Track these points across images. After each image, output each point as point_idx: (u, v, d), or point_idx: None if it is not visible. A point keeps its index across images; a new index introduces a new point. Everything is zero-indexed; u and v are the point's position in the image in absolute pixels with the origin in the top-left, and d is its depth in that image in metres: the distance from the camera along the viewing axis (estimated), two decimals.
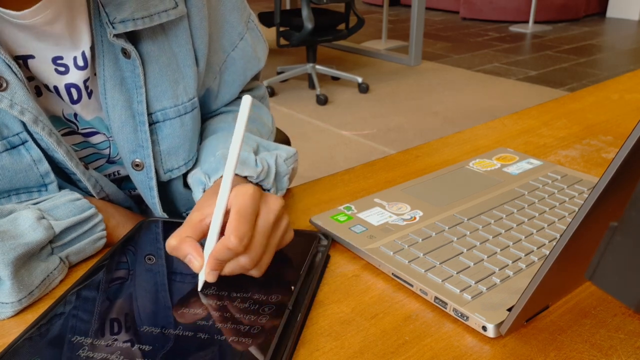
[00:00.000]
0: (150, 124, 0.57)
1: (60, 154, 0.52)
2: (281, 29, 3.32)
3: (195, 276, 0.46)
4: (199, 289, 0.45)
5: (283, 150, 0.61)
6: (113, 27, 0.51)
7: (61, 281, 0.49)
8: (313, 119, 3.09)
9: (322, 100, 3.31)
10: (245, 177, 0.54)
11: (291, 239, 0.50)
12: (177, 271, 0.48)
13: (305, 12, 3.10)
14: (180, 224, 0.56)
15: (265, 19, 3.34)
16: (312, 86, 3.57)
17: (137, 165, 0.58)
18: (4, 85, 0.47)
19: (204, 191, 0.54)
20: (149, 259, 0.50)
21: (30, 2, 0.47)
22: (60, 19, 0.50)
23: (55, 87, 0.53)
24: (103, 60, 0.53)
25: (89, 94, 0.56)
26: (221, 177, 0.50)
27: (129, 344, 0.39)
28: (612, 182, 0.30)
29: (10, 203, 0.52)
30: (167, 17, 0.54)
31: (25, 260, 0.46)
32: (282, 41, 3.31)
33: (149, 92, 0.56)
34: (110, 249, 0.51)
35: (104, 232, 0.53)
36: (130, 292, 0.45)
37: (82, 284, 0.46)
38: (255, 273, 0.46)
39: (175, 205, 0.65)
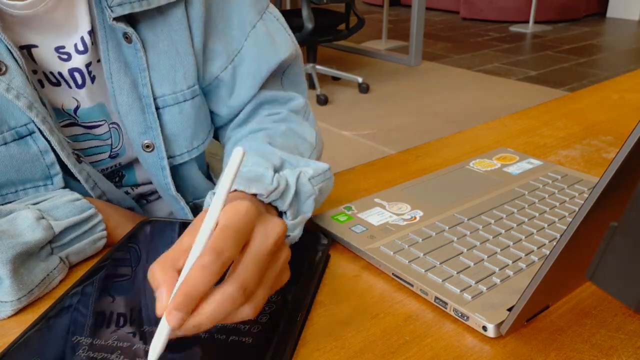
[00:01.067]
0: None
1: (54, 143, 0.52)
2: None
3: None
4: (159, 344, 0.33)
5: (312, 166, 0.53)
6: (111, 10, 0.52)
7: (61, 281, 0.49)
8: None
9: (323, 101, 3.31)
10: (255, 196, 0.47)
11: (287, 281, 0.40)
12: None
13: (305, 12, 3.10)
14: (180, 224, 0.56)
15: None
16: (312, 86, 3.57)
17: (147, 147, 0.59)
18: (3, 69, 0.48)
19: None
20: (149, 259, 0.50)
21: None
22: (59, 6, 0.51)
23: (60, 73, 0.55)
24: (107, 45, 0.54)
25: (92, 79, 0.57)
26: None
27: (129, 343, 0.39)
28: (612, 182, 0.30)
29: (17, 199, 0.53)
30: (165, 0, 0.54)
31: (24, 260, 0.46)
32: None
33: (151, 76, 0.57)
34: (110, 249, 0.51)
35: (104, 233, 0.53)
36: (131, 292, 0.45)
37: (82, 284, 0.46)
38: (248, 311, 0.35)
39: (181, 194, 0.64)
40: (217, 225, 0.35)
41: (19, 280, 0.45)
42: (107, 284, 0.46)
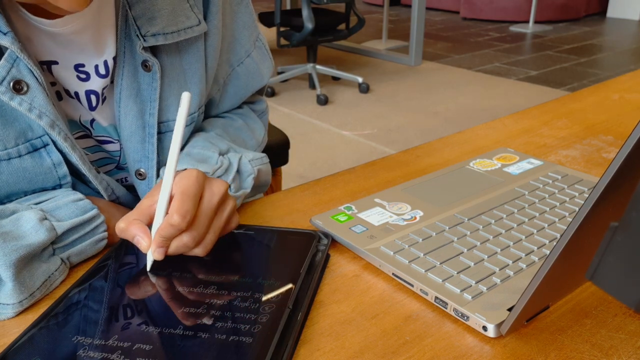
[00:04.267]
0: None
1: (74, 158, 0.53)
2: (281, 29, 3.32)
3: (194, 277, 0.46)
4: (148, 269, 0.48)
5: (252, 153, 0.63)
6: (144, 40, 0.54)
7: (62, 281, 0.49)
8: (313, 119, 3.09)
9: (323, 101, 3.31)
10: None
11: (237, 225, 0.54)
12: (177, 271, 0.48)
13: (305, 12, 3.10)
14: None
15: (266, 19, 3.34)
16: (312, 86, 3.57)
17: (139, 174, 0.60)
18: (25, 89, 0.48)
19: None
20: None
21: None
22: (88, 29, 0.52)
23: (76, 93, 0.55)
24: (123, 71, 0.55)
25: (103, 100, 0.57)
26: (181, 171, 0.52)
27: (129, 343, 0.39)
28: (613, 182, 0.30)
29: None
30: (192, 33, 0.57)
31: (27, 262, 0.46)
32: (283, 41, 3.31)
33: (159, 105, 0.58)
34: (110, 249, 0.51)
35: (106, 234, 0.53)
36: (130, 292, 0.45)
37: (82, 284, 0.46)
38: (198, 252, 0.49)
39: None
40: (174, 182, 0.48)
41: (21, 283, 0.45)
42: (108, 284, 0.46)
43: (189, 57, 0.59)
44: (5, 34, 0.46)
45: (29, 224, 0.47)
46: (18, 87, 0.47)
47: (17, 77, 0.47)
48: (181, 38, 0.56)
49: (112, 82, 0.56)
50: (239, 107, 0.73)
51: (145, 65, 0.55)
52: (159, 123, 0.59)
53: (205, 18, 0.60)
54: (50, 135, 0.51)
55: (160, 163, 0.61)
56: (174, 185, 0.48)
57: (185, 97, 0.49)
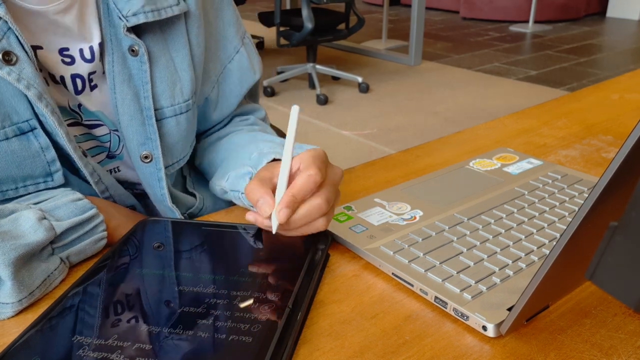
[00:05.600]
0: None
1: (60, 136, 0.53)
2: (281, 28, 3.32)
3: (194, 276, 0.46)
4: (273, 231, 0.48)
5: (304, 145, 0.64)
6: (126, 20, 0.55)
7: (61, 281, 0.49)
8: (313, 118, 3.09)
9: (322, 100, 3.31)
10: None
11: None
12: (177, 270, 0.48)
13: (305, 12, 3.10)
14: (180, 224, 0.56)
15: (266, 18, 3.34)
16: (312, 86, 3.57)
17: (145, 157, 0.61)
18: (14, 59, 0.49)
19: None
20: (149, 259, 0.50)
21: None
22: (72, 10, 0.53)
23: (62, 77, 0.56)
24: (112, 58, 0.56)
25: (92, 87, 0.58)
26: (266, 164, 0.55)
27: (128, 343, 0.39)
28: (612, 181, 0.30)
29: (17, 196, 0.53)
30: (172, 12, 0.58)
31: (25, 261, 0.46)
32: (282, 41, 3.31)
33: (152, 89, 0.59)
34: (110, 249, 0.51)
35: (105, 233, 0.53)
36: (130, 291, 0.45)
37: (82, 284, 0.46)
38: (321, 223, 0.48)
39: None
40: (299, 156, 0.49)
41: (20, 282, 0.45)
42: (107, 284, 0.46)
43: (175, 43, 0.60)
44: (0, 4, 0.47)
45: (27, 223, 0.47)
46: (7, 58, 0.48)
47: (6, 48, 0.48)
48: (162, 17, 0.57)
49: (103, 72, 0.57)
50: (247, 119, 0.74)
51: (132, 50, 0.56)
52: (155, 110, 0.60)
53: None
54: (38, 118, 0.52)
55: (163, 145, 0.61)
56: (300, 156, 0.49)
57: (295, 110, 0.49)
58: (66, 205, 0.51)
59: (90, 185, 0.58)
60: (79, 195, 0.53)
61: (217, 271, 0.48)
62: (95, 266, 0.49)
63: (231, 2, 0.69)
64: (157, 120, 0.60)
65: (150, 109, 0.59)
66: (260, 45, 4.65)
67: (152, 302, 0.44)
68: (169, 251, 0.51)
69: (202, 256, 0.50)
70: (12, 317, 0.45)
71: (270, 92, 3.50)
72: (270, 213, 0.47)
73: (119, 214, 0.57)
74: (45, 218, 0.48)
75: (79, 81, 0.57)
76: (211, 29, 0.66)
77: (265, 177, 0.50)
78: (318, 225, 0.49)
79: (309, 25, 3.10)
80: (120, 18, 0.55)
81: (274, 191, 0.49)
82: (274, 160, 0.57)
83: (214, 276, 0.47)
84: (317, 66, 3.54)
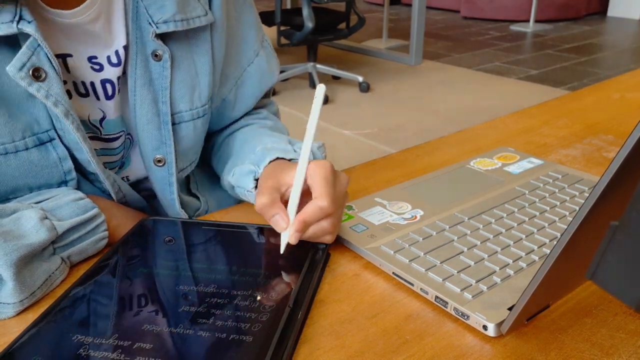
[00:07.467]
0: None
1: (85, 151, 0.54)
2: (282, 28, 3.31)
3: (195, 275, 0.46)
4: (282, 251, 0.49)
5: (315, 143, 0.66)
6: (156, 27, 0.55)
7: (62, 281, 0.49)
8: None
9: (323, 100, 3.31)
10: (290, 161, 0.58)
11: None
12: (177, 269, 0.48)
13: (305, 11, 3.10)
14: (180, 223, 0.56)
15: (266, 18, 3.34)
16: (312, 85, 3.57)
17: (159, 162, 0.61)
18: (43, 76, 0.49)
19: (255, 179, 0.58)
20: (149, 258, 0.50)
21: (77, 2, 0.52)
22: (101, 18, 0.54)
23: (92, 83, 0.56)
24: (135, 61, 0.57)
25: (118, 91, 0.59)
26: (269, 163, 0.56)
27: (129, 342, 0.39)
28: (613, 181, 0.30)
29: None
30: (200, 22, 0.59)
31: (27, 261, 0.46)
32: (283, 40, 3.31)
33: (171, 94, 0.60)
34: (110, 248, 0.51)
35: (106, 233, 0.53)
36: (130, 291, 0.45)
37: (82, 284, 0.46)
38: (329, 238, 0.50)
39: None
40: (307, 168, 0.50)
41: (21, 282, 0.45)
42: (108, 283, 0.46)
43: (198, 49, 0.61)
44: (29, 22, 0.47)
45: (29, 223, 0.47)
46: (37, 74, 0.49)
47: (36, 64, 0.49)
48: (190, 26, 0.58)
49: (124, 72, 0.58)
50: (259, 112, 0.75)
51: (155, 55, 0.57)
52: (172, 114, 0.60)
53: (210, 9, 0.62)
54: (56, 130, 0.52)
55: (177, 150, 0.62)
56: (309, 172, 0.50)
57: (321, 88, 0.51)
58: (68, 205, 0.51)
59: (105, 191, 0.59)
60: (80, 194, 0.53)
61: (217, 270, 0.48)
62: (96, 265, 0.49)
63: (252, 5, 0.69)
64: (174, 124, 0.61)
65: (167, 114, 0.59)
66: None
67: (152, 301, 0.44)
68: (170, 250, 0.51)
69: (203, 255, 0.50)
70: (13, 316, 0.45)
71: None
72: (286, 228, 0.49)
73: (120, 213, 0.58)
74: (47, 218, 0.48)
75: (109, 86, 0.57)
76: (232, 33, 0.66)
77: (273, 189, 0.51)
78: (323, 240, 0.51)
79: (309, 24, 3.10)
80: (150, 24, 0.55)
81: (281, 198, 0.51)
82: (278, 158, 0.57)
83: (214, 275, 0.47)
84: (318, 65, 3.54)
